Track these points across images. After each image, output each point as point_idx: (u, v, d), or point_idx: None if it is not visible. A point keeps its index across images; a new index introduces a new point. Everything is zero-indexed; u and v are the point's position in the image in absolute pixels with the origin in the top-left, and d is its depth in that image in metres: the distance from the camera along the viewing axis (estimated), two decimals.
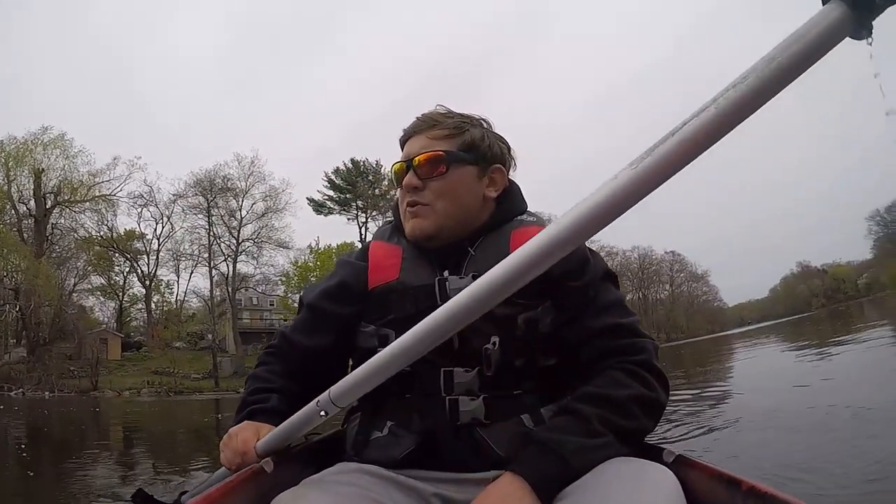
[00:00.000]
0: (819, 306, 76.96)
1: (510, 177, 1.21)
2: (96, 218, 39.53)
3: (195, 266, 42.22)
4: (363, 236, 44.33)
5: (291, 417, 1.02)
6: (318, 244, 41.04)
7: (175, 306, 44.53)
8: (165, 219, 41.52)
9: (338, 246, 42.42)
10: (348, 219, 46.63)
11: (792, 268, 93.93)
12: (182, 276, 43.75)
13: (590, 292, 1.09)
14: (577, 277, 1.08)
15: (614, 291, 1.13)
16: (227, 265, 41.15)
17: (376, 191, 46.06)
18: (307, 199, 46.46)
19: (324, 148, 68.98)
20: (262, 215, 41.78)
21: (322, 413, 0.94)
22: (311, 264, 38.36)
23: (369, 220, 45.43)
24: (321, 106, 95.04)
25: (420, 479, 1.02)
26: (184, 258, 42.22)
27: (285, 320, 41.07)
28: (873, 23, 0.52)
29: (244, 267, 42.24)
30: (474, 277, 1.04)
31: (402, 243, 1.19)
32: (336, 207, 46.90)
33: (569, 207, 0.68)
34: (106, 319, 42.88)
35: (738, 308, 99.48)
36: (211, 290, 41.61)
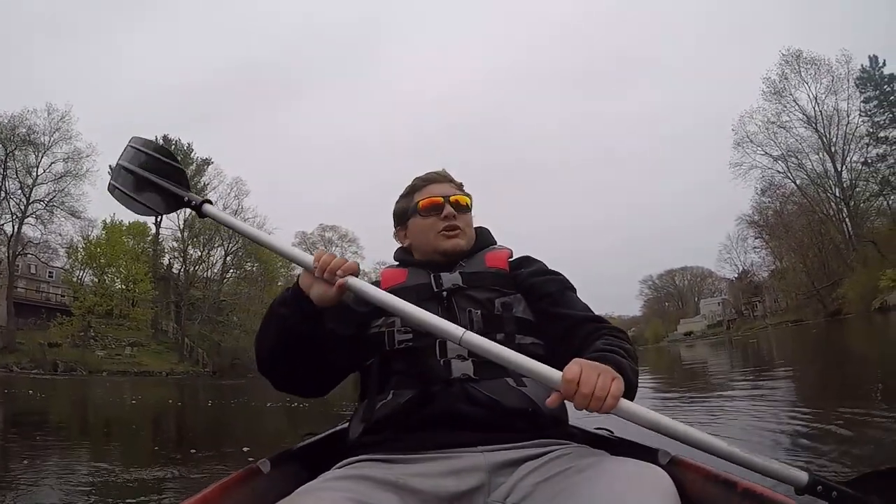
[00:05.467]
0: None
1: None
2: None
3: None
4: (159, 219, 44.02)
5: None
6: (112, 219, 40.22)
7: None
8: None
9: (129, 224, 41.61)
10: None
11: None
12: None
13: (550, 276, 1.44)
14: (525, 266, 1.47)
15: (582, 301, 1.43)
16: (13, 226, 37.90)
17: None
18: (109, 167, 43.68)
19: (138, 122, 65.70)
20: (60, 178, 38.93)
21: None
22: (102, 241, 38.80)
23: None
24: (142, 76, 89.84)
25: (419, 476, 1.07)
26: None
27: (62, 296, 40.37)
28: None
29: (30, 231, 39.19)
30: (461, 274, 1.40)
31: (407, 269, 1.48)
32: None
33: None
34: None
35: None
36: None
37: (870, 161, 38.27)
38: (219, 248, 46.23)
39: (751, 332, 43.74)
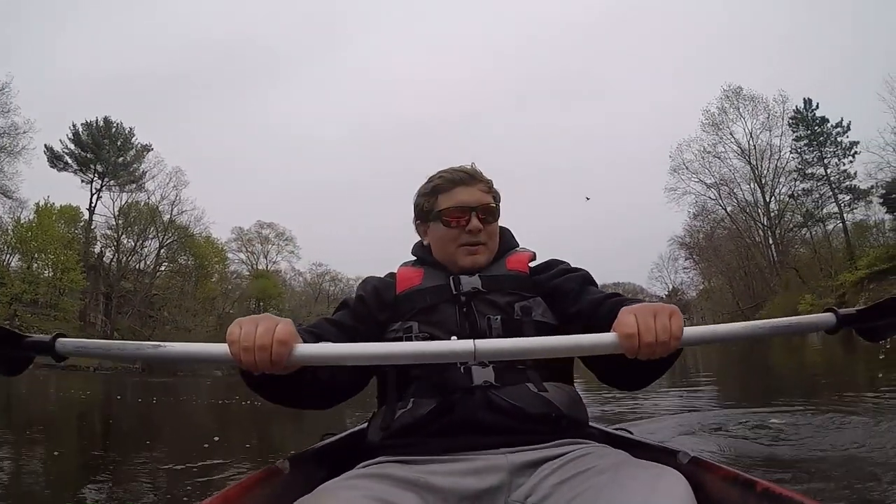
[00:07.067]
0: None
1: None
2: None
3: None
4: (93, 204, 43.44)
5: (347, 344, 1.00)
6: (47, 201, 38.93)
7: None
8: None
9: (61, 207, 40.34)
10: (83, 181, 44.31)
11: None
12: None
13: (570, 275, 1.38)
14: (546, 270, 1.41)
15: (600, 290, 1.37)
16: None
17: (121, 159, 44.81)
18: (45, 146, 42.34)
19: (82, 99, 64.30)
20: None
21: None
22: (34, 224, 36.44)
23: (104, 188, 44.37)
24: (92, 52, 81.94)
25: (440, 475, 1.07)
26: None
27: None
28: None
29: None
30: (481, 277, 1.35)
31: (423, 268, 1.43)
32: (74, 165, 44.13)
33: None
34: None
35: None
36: None
37: (796, 194, 40.64)
38: (153, 240, 44.71)
39: None
